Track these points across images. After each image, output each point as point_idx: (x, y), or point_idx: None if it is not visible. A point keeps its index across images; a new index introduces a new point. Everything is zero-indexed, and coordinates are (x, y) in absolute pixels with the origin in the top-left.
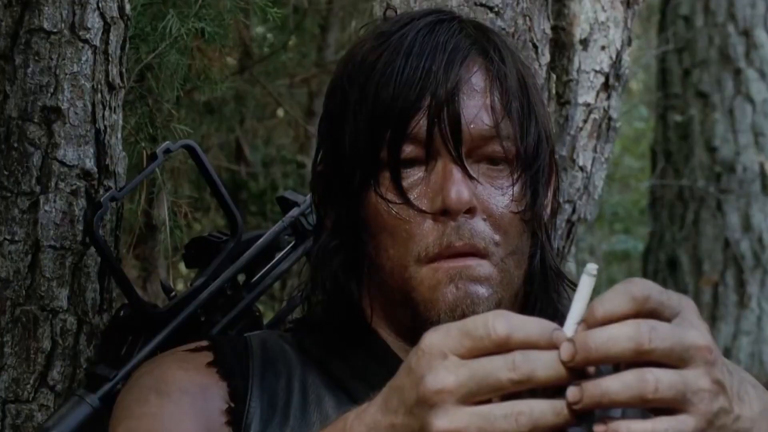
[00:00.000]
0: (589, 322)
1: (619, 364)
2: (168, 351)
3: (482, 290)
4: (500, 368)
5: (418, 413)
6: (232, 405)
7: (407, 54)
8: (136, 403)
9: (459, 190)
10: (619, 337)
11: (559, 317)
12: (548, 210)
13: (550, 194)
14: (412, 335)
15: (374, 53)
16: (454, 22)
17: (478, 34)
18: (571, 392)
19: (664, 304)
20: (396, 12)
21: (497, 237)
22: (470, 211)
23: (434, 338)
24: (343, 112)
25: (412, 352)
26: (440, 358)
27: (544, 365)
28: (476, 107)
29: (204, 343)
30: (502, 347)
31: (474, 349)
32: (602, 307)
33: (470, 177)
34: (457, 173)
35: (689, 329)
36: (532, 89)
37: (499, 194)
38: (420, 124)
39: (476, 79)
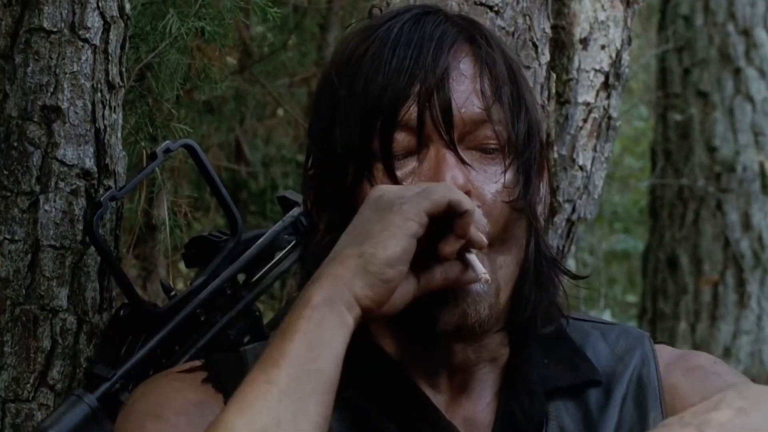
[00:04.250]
0: None
1: None
2: (161, 373)
3: None
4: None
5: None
6: None
7: (394, 45)
8: (133, 430)
9: (454, 174)
10: None
11: (552, 306)
12: (546, 201)
13: (544, 187)
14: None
15: (361, 47)
16: (440, 14)
17: (464, 23)
18: None
19: None
20: (381, 11)
21: (487, 224)
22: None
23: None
24: (334, 110)
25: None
26: None
27: None
28: (466, 92)
29: (197, 363)
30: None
31: None
32: None
33: (463, 162)
34: (450, 158)
35: None
36: (520, 77)
37: (492, 181)
38: (410, 111)
39: (465, 65)
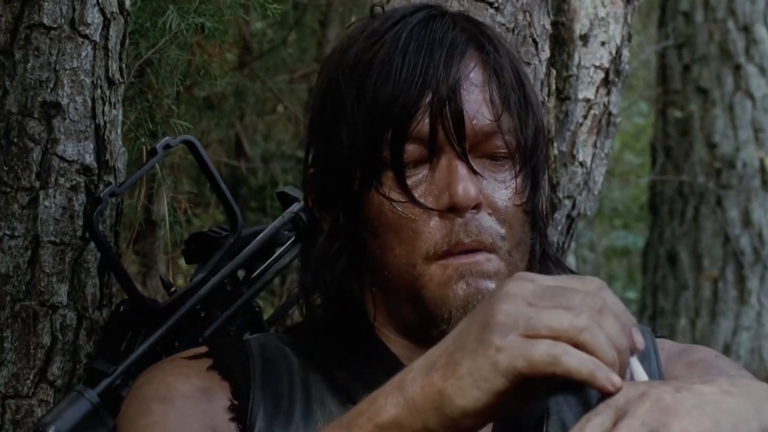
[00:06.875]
0: None
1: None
2: (167, 358)
3: (492, 285)
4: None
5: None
6: (236, 402)
7: (404, 51)
8: (139, 415)
9: (466, 186)
10: None
11: None
12: (546, 196)
13: (546, 184)
14: (419, 333)
15: (368, 52)
16: (447, 16)
17: (472, 28)
18: None
19: None
20: (383, 9)
21: (503, 231)
22: (477, 207)
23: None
24: (339, 113)
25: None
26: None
27: None
28: (476, 102)
29: (202, 349)
30: None
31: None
32: None
33: (475, 172)
34: (462, 169)
35: None
36: (526, 79)
37: (503, 188)
38: (422, 122)
39: (474, 74)
